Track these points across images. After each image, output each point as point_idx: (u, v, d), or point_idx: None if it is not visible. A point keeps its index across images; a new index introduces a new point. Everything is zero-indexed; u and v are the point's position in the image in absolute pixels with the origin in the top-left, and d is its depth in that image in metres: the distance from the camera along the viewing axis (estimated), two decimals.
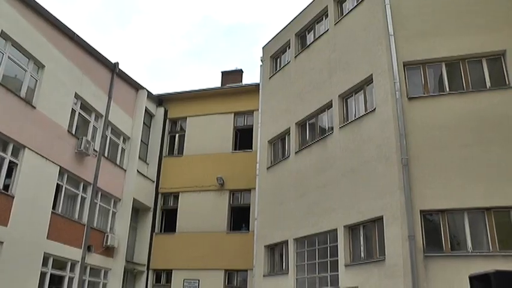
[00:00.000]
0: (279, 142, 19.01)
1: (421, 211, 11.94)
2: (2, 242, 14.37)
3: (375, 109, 13.77)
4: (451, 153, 12.02)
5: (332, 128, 15.65)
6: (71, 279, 17.74)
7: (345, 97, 15.48)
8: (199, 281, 21.01)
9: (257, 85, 21.76)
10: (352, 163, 14.20)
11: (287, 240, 16.59)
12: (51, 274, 16.65)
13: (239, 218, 21.80)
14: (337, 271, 14.03)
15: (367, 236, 13.55)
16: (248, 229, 20.84)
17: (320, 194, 15.35)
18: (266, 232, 18.07)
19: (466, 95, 12.62)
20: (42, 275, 16.17)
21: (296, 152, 17.29)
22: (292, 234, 16.35)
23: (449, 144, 12.13)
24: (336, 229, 14.33)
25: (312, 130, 17.09)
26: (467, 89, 12.72)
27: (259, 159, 19.66)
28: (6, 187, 15.04)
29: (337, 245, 14.26)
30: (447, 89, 12.97)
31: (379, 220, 12.85)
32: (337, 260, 14.12)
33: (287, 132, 18.12)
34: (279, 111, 18.83)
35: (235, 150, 22.87)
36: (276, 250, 17.77)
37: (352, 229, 14.03)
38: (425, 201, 11.93)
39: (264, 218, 18.56)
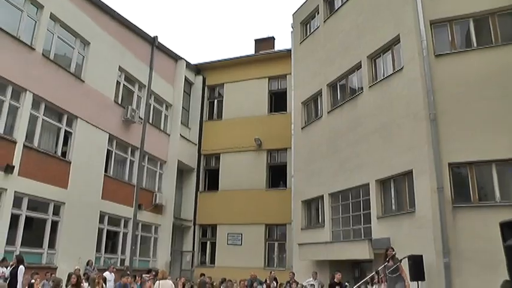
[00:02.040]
0: (311, 103, 18.87)
1: (449, 164, 11.73)
2: (63, 203, 15.24)
3: (402, 68, 13.42)
4: (478, 108, 11.64)
5: (362, 88, 15.39)
6: (125, 235, 18.62)
7: (373, 58, 15.12)
8: (242, 234, 21.56)
9: (289, 50, 21.49)
10: (382, 120, 14.00)
11: (322, 195, 16.69)
12: (107, 230, 17.54)
13: (277, 175, 22.04)
14: (370, 223, 14.08)
15: (398, 189, 13.47)
16: (285, 186, 21.07)
17: (352, 150, 15.28)
18: (302, 188, 18.20)
19: (493, 49, 12.05)
20: (100, 230, 17.08)
21: (328, 112, 17.15)
22: (327, 189, 16.41)
23: (475, 98, 11.74)
24: (368, 183, 14.29)
25: (342, 91, 16.87)
26: (495, 43, 12.18)
27: (294, 120, 19.61)
28: (63, 154, 15.80)
29: (369, 199, 14.25)
30: (475, 45, 12.45)
31: (408, 174, 12.71)
32: (370, 212, 14.14)
33: (319, 93, 17.94)
34: (311, 74, 18.61)
35: (270, 112, 22.94)
36: (312, 205, 17.92)
37: (383, 183, 13.96)
38: (453, 154, 11.70)
39: (300, 175, 18.67)
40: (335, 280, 13.03)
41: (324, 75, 17.55)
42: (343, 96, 16.59)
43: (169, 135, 22.07)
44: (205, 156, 23.98)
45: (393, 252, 10.76)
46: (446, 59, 12.52)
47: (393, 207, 13.45)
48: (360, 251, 13.52)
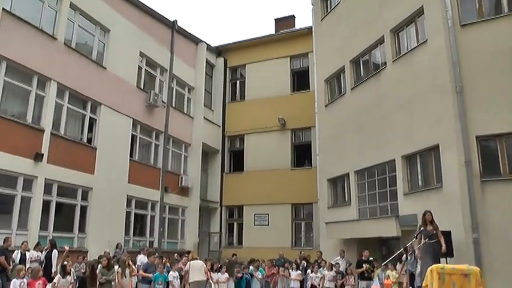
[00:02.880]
0: (334, 80, 18.57)
1: (476, 137, 11.36)
2: (91, 188, 15.53)
3: (426, 40, 12.98)
4: (506, 78, 11.19)
5: (385, 63, 15.00)
6: (152, 217, 18.90)
7: (396, 31, 14.66)
8: (268, 215, 21.61)
9: (310, 28, 21.09)
10: (407, 95, 13.65)
11: (348, 173, 16.52)
12: (135, 213, 17.83)
13: (302, 154, 21.89)
14: (397, 200, 13.87)
15: (424, 164, 13.19)
16: (311, 165, 20.92)
17: (377, 126, 15.00)
18: (328, 166, 18.05)
19: None
20: (128, 214, 17.37)
21: (352, 89, 16.86)
22: (353, 166, 16.22)
23: (503, 69, 11.25)
24: (394, 159, 14.04)
25: (365, 66, 16.50)
26: None
27: (317, 98, 19.37)
28: (89, 140, 16.05)
29: (395, 175, 14.01)
30: (505, 10, 11.80)
31: (435, 148, 12.40)
32: (396, 189, 13.93)
33: (342, 70, 17.62)
34: (333, 50, 18.25)
35: (293, 91, 22.70)
36: (338, 183, 17.78)
37: (409, 158, 13.69)
38: (481, 127, 11.31)
39: (325, 153, 18.50)
40: (363, 258, 13.00)
41: (346, 52, 17.20)
42: (367, 72, 16.25)
43: (192, 118, 22.11)
44: (229, 137, 23.98)
45: (431, 217, 10.27)
46: (472, 29, 12.03)
47: (420, 183, 13.20)
48: (387, 228, 13.34)
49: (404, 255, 11.01)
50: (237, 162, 23.62)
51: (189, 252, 15.42)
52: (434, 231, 9.63)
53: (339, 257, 14.56)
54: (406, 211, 13.19)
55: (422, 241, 9.69)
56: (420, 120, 12.96)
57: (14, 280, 8.53)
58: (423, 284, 7.39)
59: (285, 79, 22.76)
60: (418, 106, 13.09)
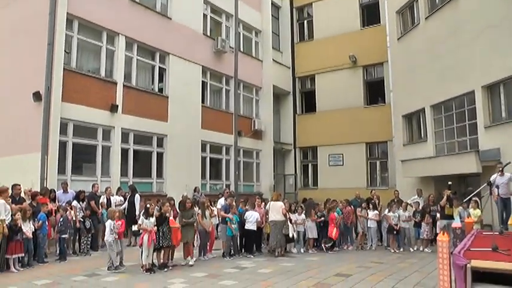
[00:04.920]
0: (407, 11, 17.15)
1: None
2: (166, 135, 15.94)
3: None
4: None
5: None
6: (227, 161, 19.15)
7: None
8: (342, 155, 21.08)
9: None
10: (489, 19, 12.22)
11: (423, 108, 15.51)
12: (210, 158, 18.11)
13: (374, 91, 20.80)
14: (477, 134, 12.81)
15: (508, 94, 11.93)
16: (384, 101, 19.87)
17: (454, 57, 13.75)
18: (402, 102, 17.06)
19: None
20: (203, 159, 17.71)
21: (426, 18, 15.50)
22: (428, 101, 15.17)
23: None
24: (473, 91, 12.86)
25: None
26: None
27: (389, 32, 18.14)
28: (160, 90, 16.28)
29: (474, 107, 12.88)
30: None
31: None
32: (476, 122, 12.83)
33: None
34: None
35: (363, 27, 21.28)
36: (413, 119, 16.80)
37: (491, 89, 12.45)
38: None
39: (399, 88, 17.46)
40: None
41: None
42: None
43: (261, 61, 21.63)
44: (300, 78, 23.31)
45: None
46: None
47: (503, 114, 12.06)
48: (467, 165, 12.44)
49: (488, 191, 10.13)
50: (308, 103, 23.01)
51: (261, 195, 15.61)
52: None
53: (416, 196, 13.82)
54: (487, 145, 12.20)
55: None
56: (505, 46, 11.63)
57: (109, 221, 9.12)
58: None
59: (354, 14, 21.33)
60: (501, 32, 11.72)
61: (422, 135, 15.99)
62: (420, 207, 12.58)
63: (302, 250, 11.79)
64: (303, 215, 12.03)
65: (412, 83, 16.17)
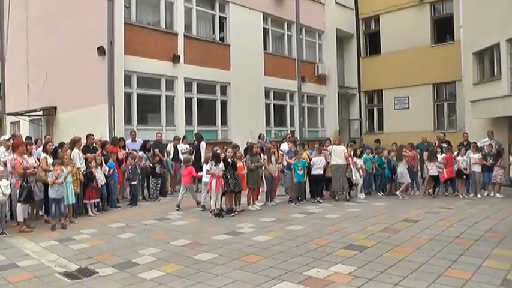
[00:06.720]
0: None
1: None
2: (229, 83, 15.99)
3: None
4: None
5: None
6: (291, 107, 18.93)
7: None
8: (408, 97, 20.08)
9: None
10: None
11: (498, 43, 14.11)
12: (274, 104, 17.97)
13: (442, 29, 19.29)
14: None
15: None
16: (453, 39, 18.42)
17: None
18: (473, 38, 15.65)
19: None
20: (267, 105, 17.63)
21: None
22: (503, 35, 13.72)
23: None
24: None
25: None
26: None
27: None
28: (221, 39, 16.16)
29: None
30: None
31: None
32: None
33: None
34: None
35: None
36: (485, 56, 15.43)
37: None
38: None
39: (470, 23, 15.99)
40: None
41: None
42: None
43: (323, 4, 20.67)
44: (363, 20, 22.08)
45: None
46: None
47: None
48: None
49: None
50: (373, 45, 21.84)
51: (328, 139, 15.29)
52: None
53: (487, 139, 12.91)
54: None
55: None
56: None
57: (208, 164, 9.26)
58: None
59: None
60: None
61: (495, 73, 14.69)
62: (494, 150, 11.76)
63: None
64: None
65: (486, 17, 14.70)
